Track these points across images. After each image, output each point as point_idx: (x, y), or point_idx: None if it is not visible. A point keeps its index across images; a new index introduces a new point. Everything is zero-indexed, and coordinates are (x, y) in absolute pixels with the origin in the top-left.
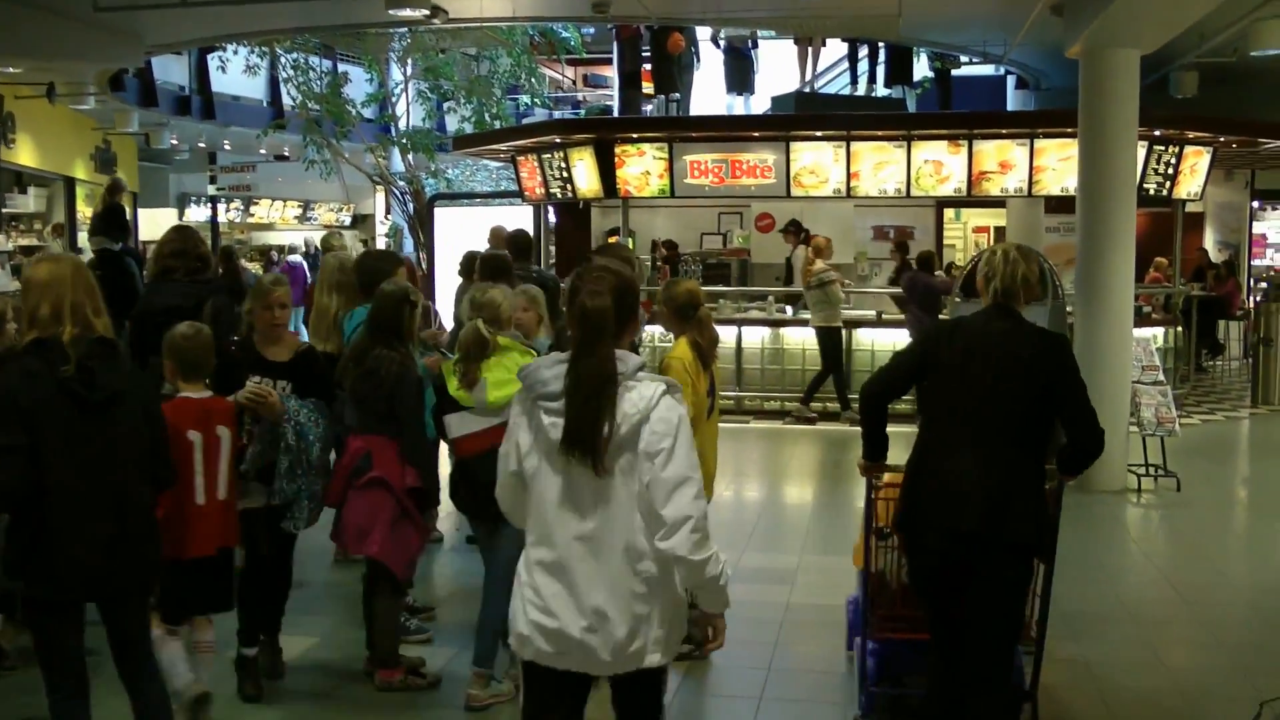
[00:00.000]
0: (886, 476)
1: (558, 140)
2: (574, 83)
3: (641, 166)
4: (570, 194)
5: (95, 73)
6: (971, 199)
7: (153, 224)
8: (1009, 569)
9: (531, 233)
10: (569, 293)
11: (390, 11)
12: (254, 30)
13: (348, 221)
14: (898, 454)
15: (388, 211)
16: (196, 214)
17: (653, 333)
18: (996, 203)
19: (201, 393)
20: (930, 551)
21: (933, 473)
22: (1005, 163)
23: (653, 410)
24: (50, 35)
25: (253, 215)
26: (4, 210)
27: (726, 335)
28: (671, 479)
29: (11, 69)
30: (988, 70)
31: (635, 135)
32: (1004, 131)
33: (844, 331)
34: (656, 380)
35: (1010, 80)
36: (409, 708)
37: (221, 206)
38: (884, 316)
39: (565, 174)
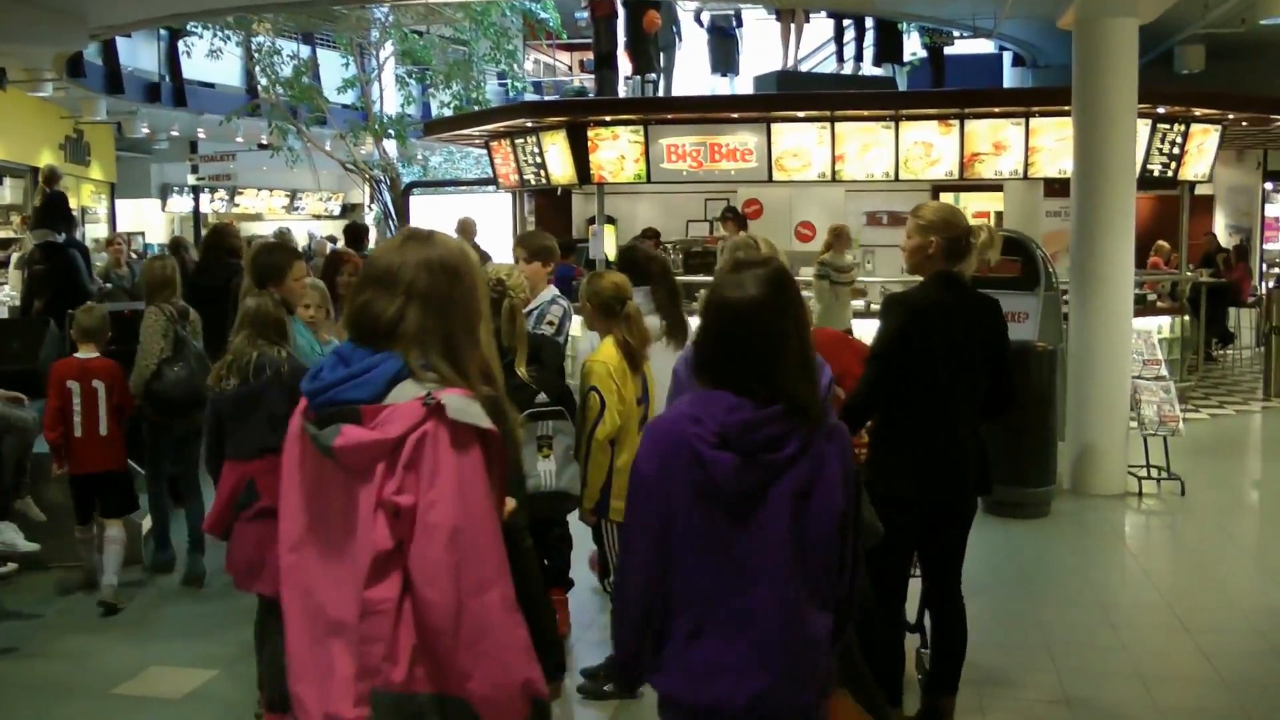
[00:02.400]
0: None
1: (529, 124)
2: (570, 68)
3: (616, 150)
4: (544, 180)
5: (48, 56)
6: (964, 182)
7: (136, 215)
8: (974, 510)
9: (511, 221)
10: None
11: None
12: (202, 10)
13: (336, 211)
14: None
15: (372, 200)
16: (179, 204)
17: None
18: (994, 186)
19: (90, 354)
20: (923, 515)
21: (926, 449)
22: (999, 143)
23: None
24: None
25: (238, 205)
26: None
27: None
28: None
29: None
30: (983, 47)
31: (609, 118)
32: (997, 110)
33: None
34: None
35: (1007, 57)
36: None
37: (205, 196)
38: (872, 307)
39: (539, 159)
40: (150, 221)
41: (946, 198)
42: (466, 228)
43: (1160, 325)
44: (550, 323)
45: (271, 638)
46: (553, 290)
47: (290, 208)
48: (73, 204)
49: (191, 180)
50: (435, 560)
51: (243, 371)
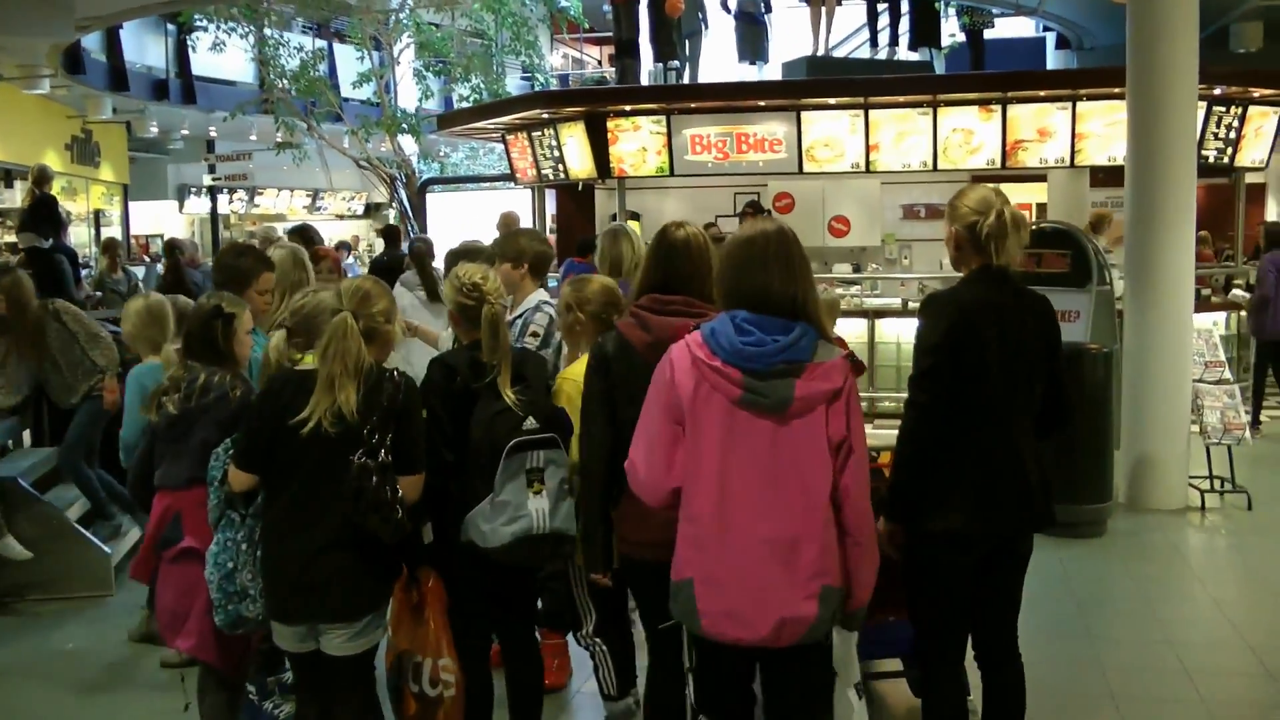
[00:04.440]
0: None
1: (545, 115)
2: (599, 62)
3: (637, 142)
4: (563, 175)
5: (41, 50)
6: (1007, 171)
7: (152, 217)
8: (1032, 545)
9: (530, 219)
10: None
11: None
12: (192, 0)
13: (360, 210)
14: None
15: (391, 199)
16: (196, 206)
17: None
18: (1037, 176)
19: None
20: (981, 554)
21: (985, 475)
22: (1044, 129)
23: None
24: None
25: (258, 206)
26: None
27: None
28: None
29: None
30: (1025, 30)
31: (629, 107)
32: (1042, 94)
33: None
34: None
35: (1050, 40)
36: None
37: (224, 197)
38: (910, 305)
39: (556, 153)
40: (168, 224)
41: None
42: (509, 222)
43: (1215, 321)
44: (535, 333)
45: (208, 694)
46: (538, 295)
47: (312, 208)
48: (83, 207)
49: (208, 180)
50: (862, 478)
51: (188, 392)
